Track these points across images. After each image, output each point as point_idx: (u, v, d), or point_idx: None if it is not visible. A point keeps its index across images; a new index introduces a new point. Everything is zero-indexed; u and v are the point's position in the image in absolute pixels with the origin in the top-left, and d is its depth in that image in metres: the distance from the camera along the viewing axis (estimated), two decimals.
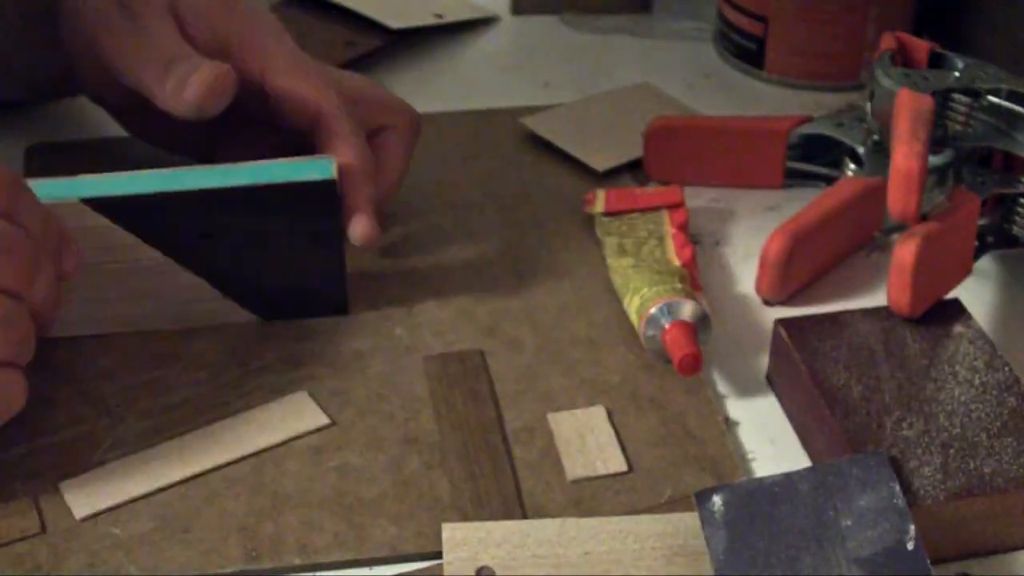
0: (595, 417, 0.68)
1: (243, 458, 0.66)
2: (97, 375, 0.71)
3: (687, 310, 0.70)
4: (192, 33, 0.74)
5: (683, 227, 0.78)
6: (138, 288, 0.72)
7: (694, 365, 0.68)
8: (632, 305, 0.72)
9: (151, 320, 0.73)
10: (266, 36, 0.75)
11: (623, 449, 0.66)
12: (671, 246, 0.76)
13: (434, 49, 1.03)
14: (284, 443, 0.67)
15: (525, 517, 0.63)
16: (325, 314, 0.75)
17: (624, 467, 0.65)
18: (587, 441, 0.67)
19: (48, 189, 0.69)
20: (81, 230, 0.68)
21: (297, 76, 0.73)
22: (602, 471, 0.65)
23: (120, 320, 0.73)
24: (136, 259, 0.71)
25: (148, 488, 0.64)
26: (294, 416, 0.68)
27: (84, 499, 0.63)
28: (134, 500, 0.63)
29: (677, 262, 0.75)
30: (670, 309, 0.70)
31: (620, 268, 0.75)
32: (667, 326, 0.69)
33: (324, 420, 0.68)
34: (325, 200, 0.71)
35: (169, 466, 0.65)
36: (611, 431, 0.67)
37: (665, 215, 0.80)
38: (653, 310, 0.70)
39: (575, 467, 0.65)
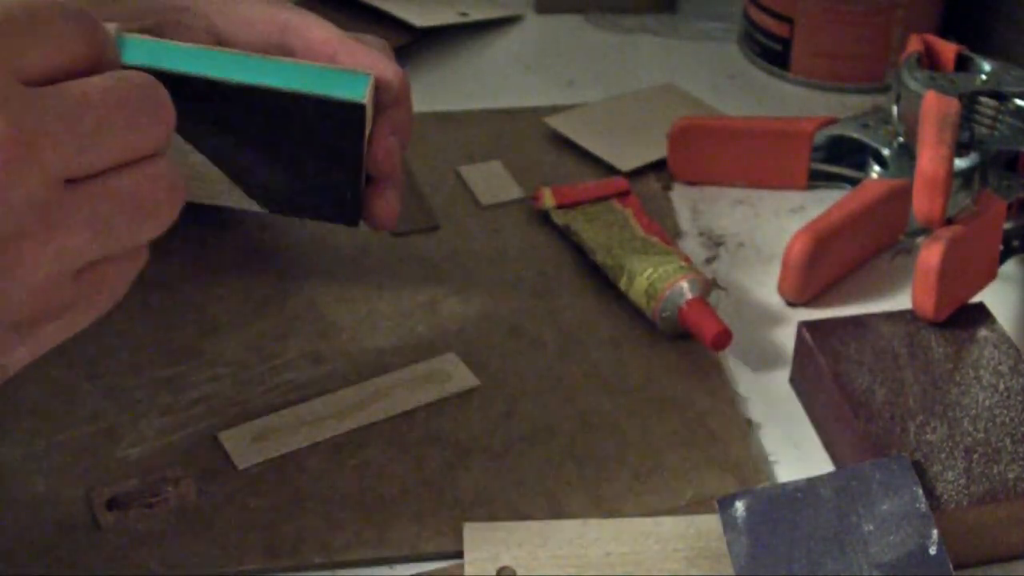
0: None
1: (269, 459, 0.66)
2: (118, 370, 0.71)
3: (701, 287, 0.72)
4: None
5: (641, 211, 0.80)
6: None
7: (727, 339, 0.70)
8: (637, 287, 0.73)
9: None
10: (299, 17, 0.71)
11: (645, 450, 0.67)
12: (638, 228, 0.77)
13: (458, 47, 1.03)
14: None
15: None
16: (335, 221, 0.73)
17: None
18: None
19: None
20: None
21: (347, 48, 0.70)
22: None
23: None
24: None
25: None
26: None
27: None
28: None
29: (658, 241, 0.76)
30: (686, 288, 0.72)
31: (606, 251, 0.76)
32: (685, 305, 0.71)
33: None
34: (350, 121, 0.68)
35: None
36: None
37: (615, 203, 0.81)
38: (667, 292, 0.72)
39: None
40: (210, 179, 0.71)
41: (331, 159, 0.70)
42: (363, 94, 0.67)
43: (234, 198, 0.72)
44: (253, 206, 0.73)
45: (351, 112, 0.67)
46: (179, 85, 0.64)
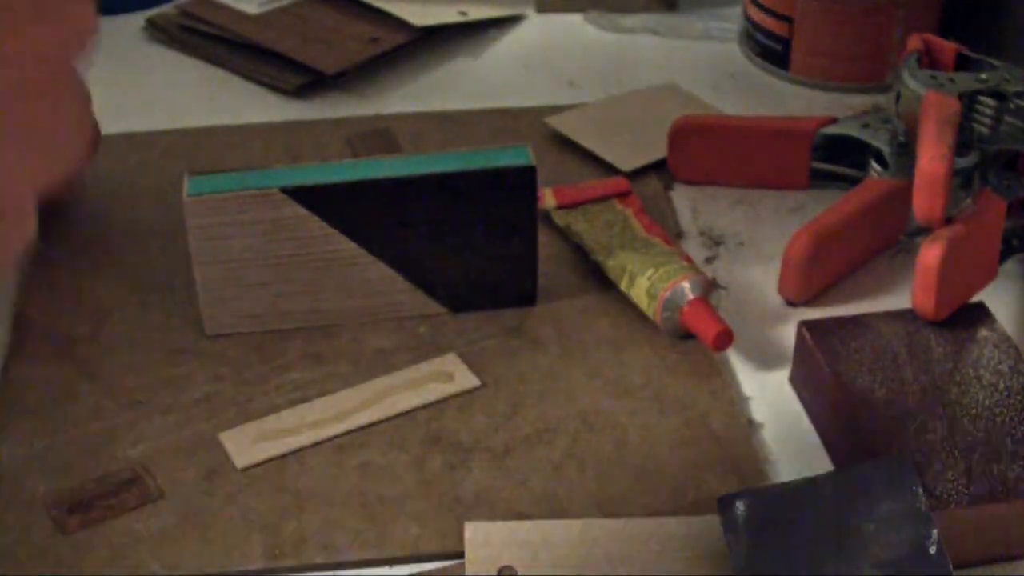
0: None
1: (270, 458, 0.66)
2: (120, 370, 0.71)
3: (702, 288, 0.72)
4: None
5: (642, 211, 0.80)
6: (331, 281, 0.72)
7: (728, 339, 0.70)
8: (638, 287, 0.73)
9: (339, 314, 0.74)
10: None
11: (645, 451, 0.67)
12: (639, 228, 0.78)
13: (458, 47, 1.03)
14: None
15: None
16: (513, 304, 0.75)
17: None
18: None
19: (246, 179, 0.69)
20: (278, 221, 0.69)
21: None
22: None
23: (309, 314, 0.73)
24: (331, 251, 0.71)
25: None
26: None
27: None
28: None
29: (659, 241, 0.76)
30: (687, 288, 0.72)
31: (607, 251, 0.76)
32: (686, 306, 0.71)
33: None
34: (524, 186, 0.72)
35: None
36: None
37: (615, 203, 0.81)
38: (669, 292, 0.72)
39: None
40: (392, 290, 0.73)
41: (508, 231, 0.73)
42: (529, 158, 0.71)
43: (417, 306, 0.74)
44: (436, 309, 0.74)
45: (524, 176, 0.71)
46: (356, 191, 0.70)
